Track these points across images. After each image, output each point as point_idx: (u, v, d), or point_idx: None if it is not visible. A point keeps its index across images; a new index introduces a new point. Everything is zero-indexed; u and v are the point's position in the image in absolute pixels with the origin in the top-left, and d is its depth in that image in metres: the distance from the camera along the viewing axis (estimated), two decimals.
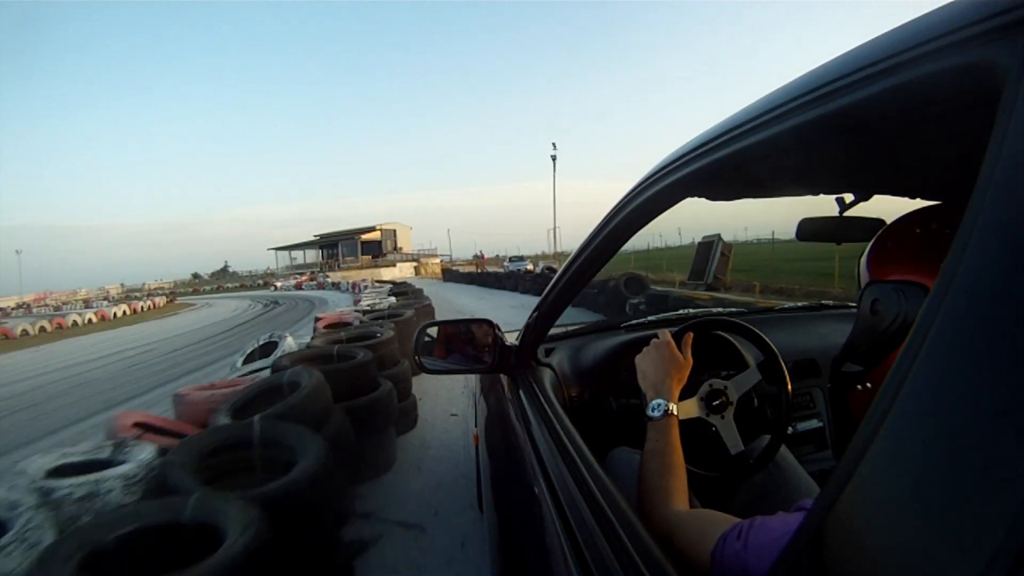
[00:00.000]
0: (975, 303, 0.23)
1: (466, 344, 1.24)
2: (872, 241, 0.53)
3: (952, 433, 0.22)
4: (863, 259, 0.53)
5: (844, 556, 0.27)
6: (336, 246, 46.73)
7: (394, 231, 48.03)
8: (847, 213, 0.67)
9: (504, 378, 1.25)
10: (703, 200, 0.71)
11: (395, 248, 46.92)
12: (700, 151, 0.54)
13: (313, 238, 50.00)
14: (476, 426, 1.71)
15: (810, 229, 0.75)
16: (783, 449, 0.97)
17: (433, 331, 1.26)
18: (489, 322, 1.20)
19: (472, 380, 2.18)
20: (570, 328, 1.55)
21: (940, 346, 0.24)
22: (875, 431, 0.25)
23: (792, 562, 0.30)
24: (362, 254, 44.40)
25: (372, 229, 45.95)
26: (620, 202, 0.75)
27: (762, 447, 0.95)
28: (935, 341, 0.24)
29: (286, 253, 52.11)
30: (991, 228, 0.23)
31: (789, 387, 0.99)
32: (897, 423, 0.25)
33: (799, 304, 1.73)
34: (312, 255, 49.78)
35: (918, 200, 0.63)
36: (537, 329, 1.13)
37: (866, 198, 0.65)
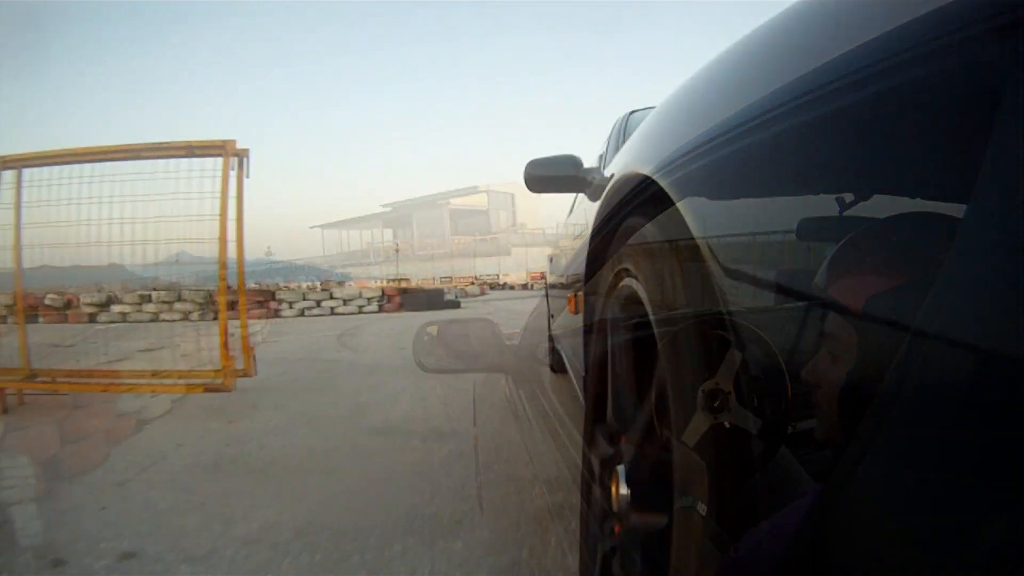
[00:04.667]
0: (975, 303, 0.23)
1: (466, 343, 1.24)
2: (833, 253, 0.50)
3: (952, 433, 0.22)
4: (822, 273, 0.50)
5: (844, 556, 0.27)
6: (411, 222, 28.07)
7: (511, 196, 28.21)
8: (847, 213, 0.67)
9: (504, 377, 1.25)
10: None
11: (513, 223, 27.86)
12: (700, 151, 0.54)
13: (381, 209, 30.18)
14: (476, 425, 1.71)
15: (810, 229, 0.75)
16: (783, 449, 0.97)
17: (433, 330, 1.25)
18: (489, 321, 1.20)
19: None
20: (570, 328, 1.55)
21: (940, 346, 0.24)
22: (875, 431, 0.25)
23: (793, 561, 0.31)
24: (454, 233, 26.06)
25: (472, 191, 27.56)
26: None
27: (762, 447, 0.95)
28: (935, 341, 0.24)
29: (341, 233, 31.61)
30: (991, 228, 0.23)
31: (789, 387, 0.99)
32: (897, 423, 0.25)
33: (798, 304, 1.73)
34: (385, 234, 30.26)
35: (917, 200, 0.62)
36: (537, 329, 1.13)
37: (866, 198, 0.65)
